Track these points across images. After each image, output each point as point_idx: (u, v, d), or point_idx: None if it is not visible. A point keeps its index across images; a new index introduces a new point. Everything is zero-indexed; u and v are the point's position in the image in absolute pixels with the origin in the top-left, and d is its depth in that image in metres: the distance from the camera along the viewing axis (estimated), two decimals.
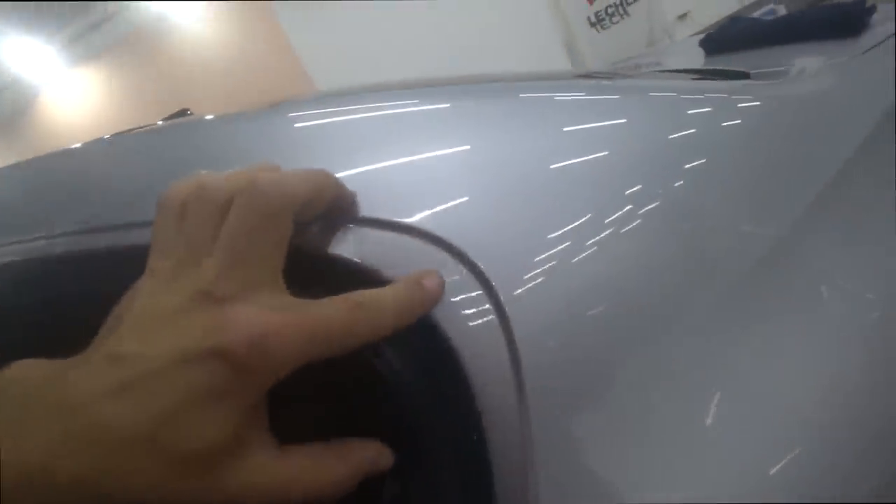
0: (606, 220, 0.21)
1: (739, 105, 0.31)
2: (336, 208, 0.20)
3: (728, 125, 0.29)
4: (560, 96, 0.29)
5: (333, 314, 0.17)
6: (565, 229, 0.20)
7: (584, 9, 2.52)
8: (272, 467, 0.16)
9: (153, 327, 0.16)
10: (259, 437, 0.17)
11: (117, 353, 0.15)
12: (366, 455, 0.18)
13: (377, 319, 0.17)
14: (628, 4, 2.55)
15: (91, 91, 4.27)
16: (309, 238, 0.20)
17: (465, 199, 0.20)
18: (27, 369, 0.16)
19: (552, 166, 0.22)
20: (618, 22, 2.55)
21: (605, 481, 0.19)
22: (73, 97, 4.31)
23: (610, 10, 2.54)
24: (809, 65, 0.42)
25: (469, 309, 0.19)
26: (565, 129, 0.25)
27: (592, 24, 2.53)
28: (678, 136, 0.26)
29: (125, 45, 3.97)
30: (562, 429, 0.19)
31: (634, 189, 0.23)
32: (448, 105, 0.26)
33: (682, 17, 2.99)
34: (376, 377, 0.19)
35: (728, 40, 0.63)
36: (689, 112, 0.29)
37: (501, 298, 0.19)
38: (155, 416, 0.15)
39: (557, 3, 2.57)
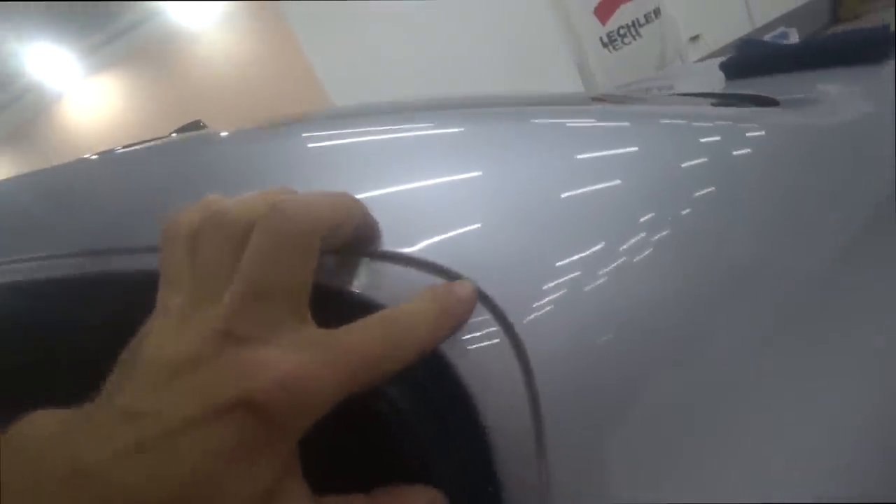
0: (620, 248, 0.21)
1: (748, 134, 0.30)
2: (360, 237, 0.18)
3: (740, 154, 0.29)
4: (572, 123, 0.29)
5: (369, 339, 0.15)
6: (576, 257, 0.20)
7: (597, 29, 2.53)
8: None
9: (169, 377, 0.14)
10: (294, 489, 0.15)
11: (131, 409, 0.14)
12: None
13: (414, 335, 0.16)
14: (641, 26, 2.56)
15: (109, 97, 4.38)
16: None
17: (476, 226, 0.20)
18: (40, 424, 0.14)
19: (563, 195, 0.22)
20: (630, 43, 2.56)
21: None
22: (91, 103, 4.43)
23: (622, 31, 2.55)
24: (833, 92, 0.41)
25: (476, 332, 0.18)
26: (577, 157, 0.24)
27: (605, 45, 2.55)
28: (690, 165, 0.26)
29: (143, 54, 4.08)
30: (581, 459, 0.18)
31: (647, 217, 0.22)
32: (458, 130, 0.26)
33: (695, 39, 3.01)
34: (381, 416, 0.18)
35: (750, 65, 0.62)
36: (702, 140, 0.29)
37: (513, 324, 0.18)
38: (176, 478, 0.13)
39: (570, 23, 2.59)
